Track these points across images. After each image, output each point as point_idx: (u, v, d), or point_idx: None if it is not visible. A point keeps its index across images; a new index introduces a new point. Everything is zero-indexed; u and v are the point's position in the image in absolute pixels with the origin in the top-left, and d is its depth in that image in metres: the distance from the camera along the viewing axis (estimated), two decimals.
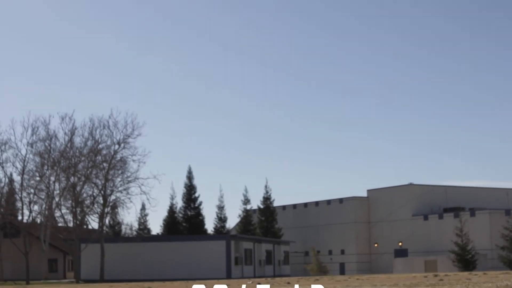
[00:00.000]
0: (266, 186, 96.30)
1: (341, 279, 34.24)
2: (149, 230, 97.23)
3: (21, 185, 72.26)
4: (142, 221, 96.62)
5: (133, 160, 72.73)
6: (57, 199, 72.99)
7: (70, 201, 72.52)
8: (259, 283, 27.41)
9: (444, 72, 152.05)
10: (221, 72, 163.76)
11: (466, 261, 72.17)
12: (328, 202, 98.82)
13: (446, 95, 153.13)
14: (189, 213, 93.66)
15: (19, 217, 74.54)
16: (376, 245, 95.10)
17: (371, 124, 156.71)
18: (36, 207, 74.23)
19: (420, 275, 42.24)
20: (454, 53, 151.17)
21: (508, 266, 70.00)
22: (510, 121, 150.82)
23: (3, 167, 72.84)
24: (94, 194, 72.84)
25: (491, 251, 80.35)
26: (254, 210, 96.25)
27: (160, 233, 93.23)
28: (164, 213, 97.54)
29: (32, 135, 71.50)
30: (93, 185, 72.50)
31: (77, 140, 72.82)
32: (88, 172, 71.92)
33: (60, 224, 75.91)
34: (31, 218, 74.04)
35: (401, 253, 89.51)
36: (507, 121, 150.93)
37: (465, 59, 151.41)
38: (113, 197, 72.68)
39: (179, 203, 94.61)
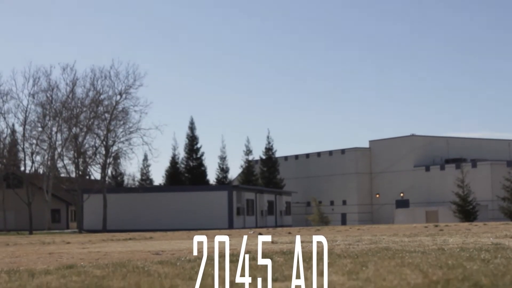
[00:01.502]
0: (268, 137, 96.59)
1: (342, 229, 34.32)
2: (151, 181, 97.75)
3: (23, 135, 72.37)
4: (145, 171, 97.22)
5: (135, 111, 73.02)
6: (59, 149, 73.14)
7: (72, 152, 72.72)
8: (260, 233, 27.50)
9: (446, 23, 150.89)
10: (222, 23, 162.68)
11: (467, 211, 72.46)
12: (330, 152, 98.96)
13: (448, 45, 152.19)
14: (191, 163, 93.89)
15: (22, 168, 74.84)
16: (377, 195, 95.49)
17: (374, 75, 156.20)
18: (38, 158, 74.59)
19: (421, 225, 42.37)
20: (455, 3, 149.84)
21: (509, 217, 70.26)
22: None
23: (5, 118, 72.93)
24: (96, 144, 73.11)
25: (492, 202, 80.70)
26: (256, 160, 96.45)
27: (162, 184, 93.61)
28: (166, 164, 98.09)
29: (33, 85, 71.44)
30: (95, 135, 72.69)
31: (79, 91, 72.86)
32: (90, 122, 71.96)
33: (62, 175, 76.20)
34: (33, 168, 74.30)
35: (402, 203, 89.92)
36: (510, 72, 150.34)
37: (465, 9, 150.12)
38: (115, 147, 73.03)
39: (181, 153, 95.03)
